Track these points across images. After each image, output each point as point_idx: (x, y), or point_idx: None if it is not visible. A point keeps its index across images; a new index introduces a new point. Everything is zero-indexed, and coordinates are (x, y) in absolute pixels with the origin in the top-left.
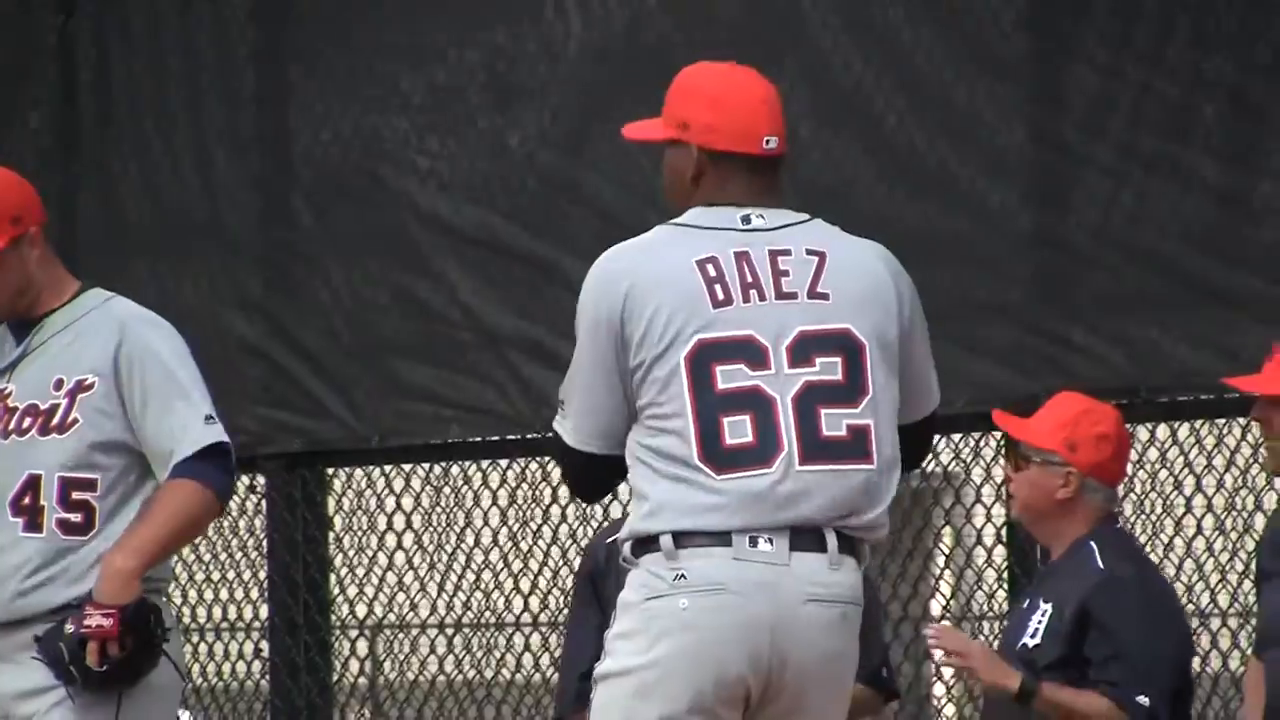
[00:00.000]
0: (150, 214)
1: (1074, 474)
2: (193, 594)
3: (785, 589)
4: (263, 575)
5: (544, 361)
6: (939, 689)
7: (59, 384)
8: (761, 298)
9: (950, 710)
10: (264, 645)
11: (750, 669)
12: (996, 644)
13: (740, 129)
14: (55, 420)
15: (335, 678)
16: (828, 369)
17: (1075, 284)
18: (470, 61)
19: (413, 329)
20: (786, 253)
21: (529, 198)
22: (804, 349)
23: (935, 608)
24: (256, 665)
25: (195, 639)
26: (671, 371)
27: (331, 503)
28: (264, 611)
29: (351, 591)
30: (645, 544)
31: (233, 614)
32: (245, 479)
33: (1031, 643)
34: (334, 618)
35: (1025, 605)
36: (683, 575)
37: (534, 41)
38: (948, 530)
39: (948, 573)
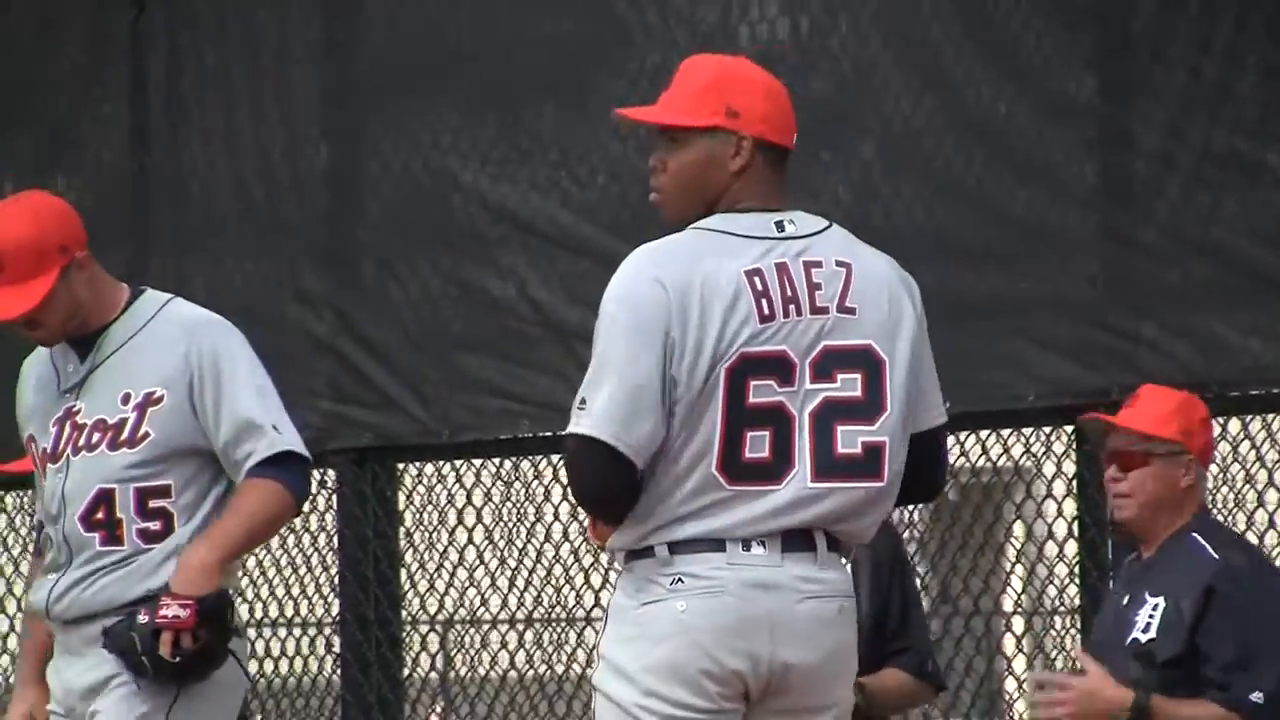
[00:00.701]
0: (220, 208)
1: (1193, 461)
2: (264, 590)
3: (780, 587)
4: (334, 571)
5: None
6: (1010, 684)
7: (126, 398)
8: (799, 313)
9: (1022, 706)
10: (335, 640)
11: (749, 668)
12: (1077, 640)
13: (785, 122)
14: (125, 434)
15: (406, 673)
16: (848, 385)
17: (1145, 279)
18: (540, 54)
19: (482, 324)
20: (819, 264)
21: (598, 192)
22: (826, 364)
23: (1007, 603)
24: (328, 661)
25: (267, 634)
26: (712, 381)
27: (402, 498)
28: (335, 607)
29: (422, 586)
30: (639, 551)
31: (304, 610)
32: (315, 474)
33: (1145, 638)
34: (405, 613)
35: (1125, 602)
36: (680, 579)
37: (604, 31)
38: (1019, 525)
39: (1019, 567)
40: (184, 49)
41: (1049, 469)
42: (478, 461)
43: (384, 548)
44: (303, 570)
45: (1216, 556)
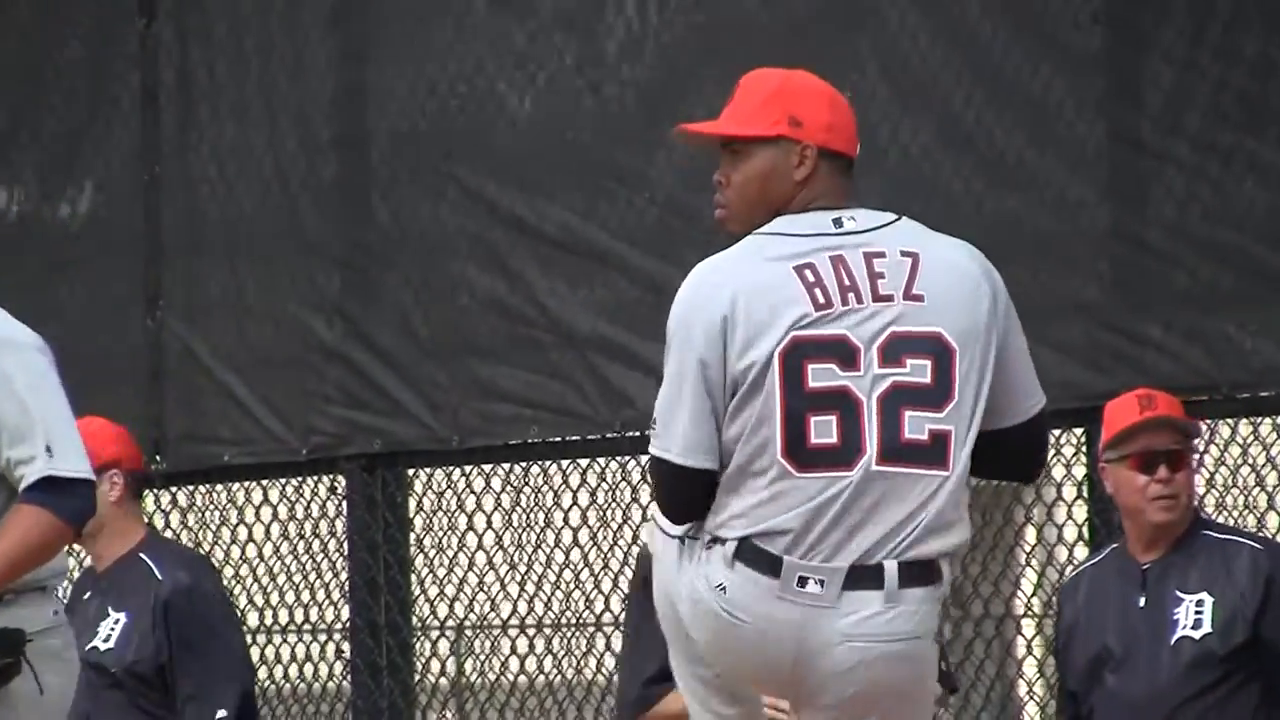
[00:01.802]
0: (231, 216)
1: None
2: (274, 596)
3: (819, 630)
4: (344, 576)
5: (625, 362)
6: (1021, 686)
7: None
8: (859, 300)
9: (1032, 708)
10: (345, 646)
11: (774, 686)
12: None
13: (849, 130)
14: None
15: (417, 679)
16: (917, 371)
17: (1153, 281)
18: (549, 60)
19: (492, 329)
20: (881, 254)
21: (607, 197)
22: (895, 349)
23: (1018, 606)
24: (338, 667)
25: (277, 640)
26: (766, 367)
27: (412, 503)
28: (345, 613)
29: (433, 592)
30: (718, 540)
31: (314, 615)
32: (325, 480)
33: (1198, 634)
34: (415, 619)
35: (1142, 604)
36: (723, 588)
37: (610, 39)
38: (1029, 528)
39: (1030, 570)
40: (194, 58)
41: (1059, 472)
42: (488, 467)
43: (394, 553)
44: (313, 576)
45: (1260, 546)
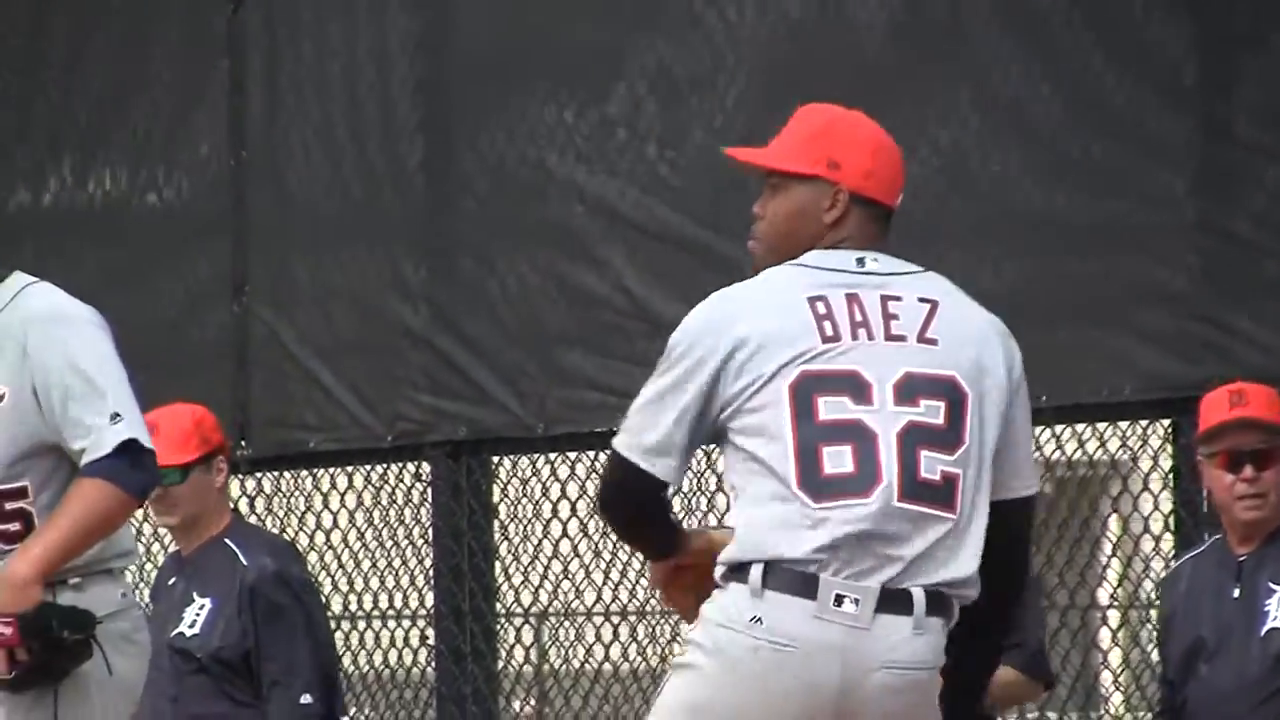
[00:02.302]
0: (317, 202)
1: None
2: (359, 582)
3: (860, 653)
4: (428, 563)
5: None
6: (1106, 677)
7: None
8: (870, 337)
9: (1118, 699)
10: (430, 633)
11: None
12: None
13: (890, 180)
14: None
15: (500, 665)
16: (931, 412)
17: (1242, 271)
18: (642, 51)
19: (577, 317)
20: (898, 298)
21: (694, 184)
22: (910, 389)
23: (1103, 596)
24: (422, 653)
25: (361, 626)
26: (774, 399)
27: (496, 490)
28: (430, 599)
29: (517, 579)
30: (736, 570)
31: (399, 601)
32: (411, 467)
33: None
34: (499, 605)
35: (1236, 595)
36: (759, 619)
37: (710, 32)
38: (1114, 518)
39: (1115, 561)
40: (281, 44)
41: (1145, 462)
42: (573, 454)
43: (478, 540)
44: (397, 562)
45: None
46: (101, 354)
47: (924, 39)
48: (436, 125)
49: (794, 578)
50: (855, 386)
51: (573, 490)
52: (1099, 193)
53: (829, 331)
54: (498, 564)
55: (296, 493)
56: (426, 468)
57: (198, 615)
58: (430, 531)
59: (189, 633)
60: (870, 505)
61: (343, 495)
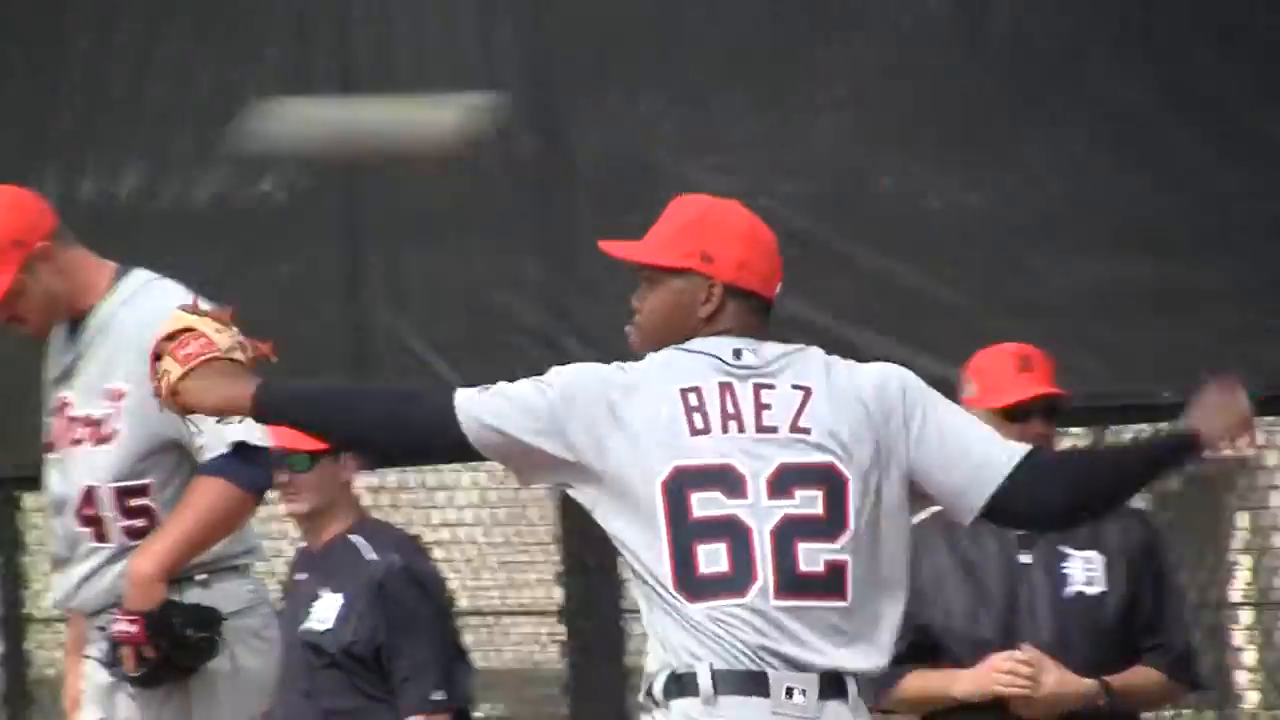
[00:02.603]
0: (432, 199)
1: None
2: (485, 577)
3: None
4: (556, 559)
5: (830, 348)
6: (1242, 676)
7: (105, 393)
8: (740, 429)
9: (1254, 697)
10: (559, 628)
11: None
12: None
13: (767, 271)
14: (104, 430)
15: (630, 661)
16: (807, 502)
17: None
18: (749, 40)
19: None
20: (771, 387)
21: (804, 181)
22: (784, 481)
23: (1234, 593)
24: (553, 648)
25: (490, 622)
26: (649, 498)
27: None
28: (557, 594)
29: None
30: (679, 683)
31: (527, 597)
32: None
33: None
34: (627, 600)
35: None
36: None
37: (826, 29)
38: (1243, 515)
39: (1245, 558)
40: (391, 36)
41: (1273, 458)
42: None
43: (604, 535)
44: (524, 558)
45: None
46: None
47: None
48: (550, 119)
49: (744, 675)
50: (729, 480)
51: None
52: (1224, 187)
53: (698, 424)
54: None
55: (421, 488)
56: None
57: (328, 610)
58: (557, 527)
59: (319, 627)
60: (746, 603)
61: (468, 491)
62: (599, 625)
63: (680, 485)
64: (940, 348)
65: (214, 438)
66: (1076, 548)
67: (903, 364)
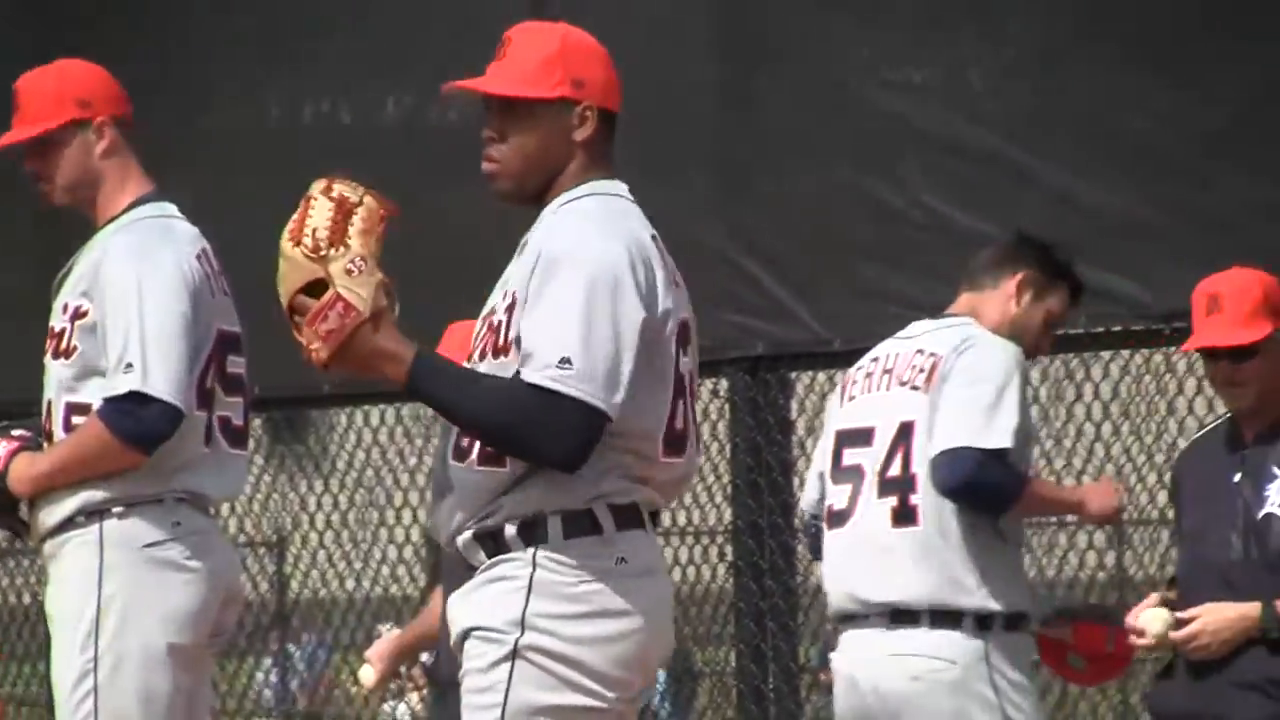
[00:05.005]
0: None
1: None
2: None
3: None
4: (726, 479)
5: None
6: None
7: (66, 307)
8: (675, 284)
9: None
10: (728, 549)
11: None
12: None
13: (618, 89)
14: (63, 345)
15: (799, 580)
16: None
17: None
18: None
19: (874, 231)
20: (655, 236)
21: (990, 98)
22: (685, 335)
23: None
24: (720, 569)
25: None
26: (660, 351)
27: (794, 405)
28: (727, 515)
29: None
30: (577, 519)
31: (697, 518)
32: (709, 383)
33: None
34: (798, 521)
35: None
36: (622, 559)
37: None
38: None
39: None
40: None
41: None
42: None
43: (776, 456)
44: (695, 478)
45: None
46: (152, 300)
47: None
48: (730, 41)
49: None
50: (688, 337)
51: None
52: None
53: (667, 279)
54: (795, 479)
55: None
56: (725, 384)
57: None
58: (728, 448)
59: None
60: (686, 464)
61: None
62: (768, 546)
63: (680, 339)
64: (1130, 268)
65: (112, 381)
66: None
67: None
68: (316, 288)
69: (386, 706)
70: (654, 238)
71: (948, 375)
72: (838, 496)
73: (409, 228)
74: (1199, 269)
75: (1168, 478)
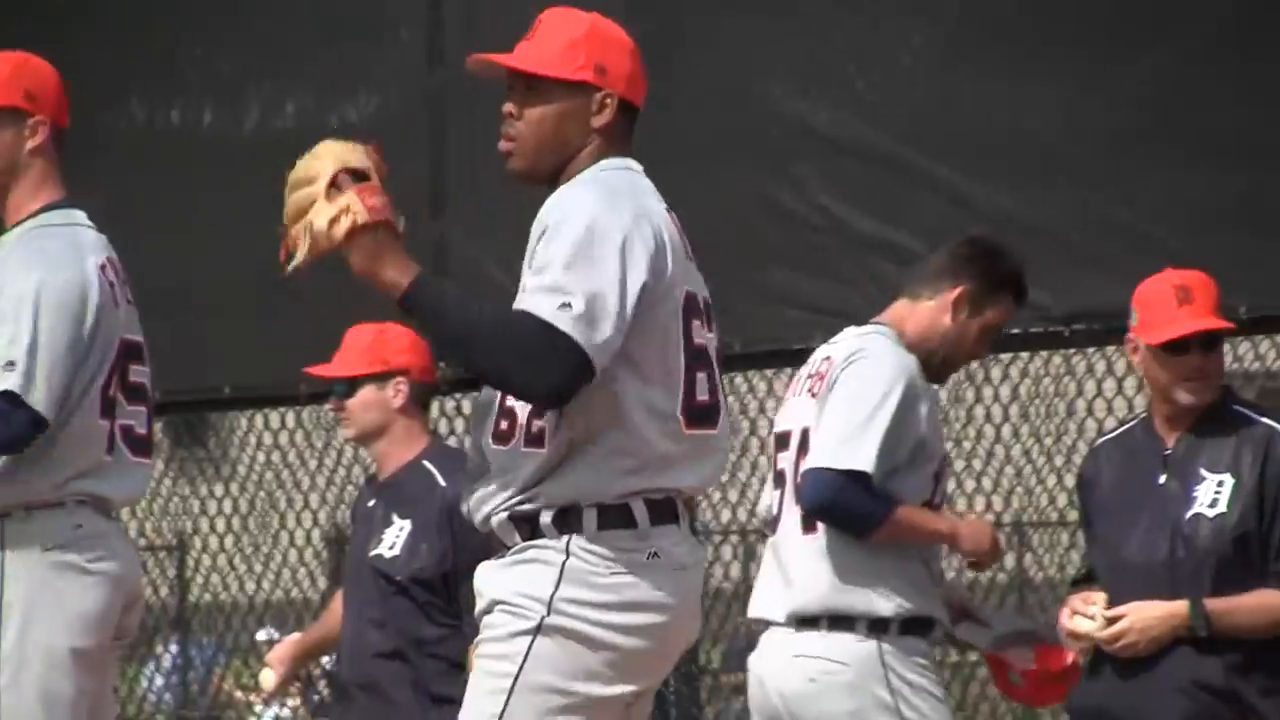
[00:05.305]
0: None
1: None
2: None
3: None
4: None
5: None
6: None
7: None
8: (688, 256)
9: None
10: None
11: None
12: None
13: (642, 85)
14: None
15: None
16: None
17: None
18: None
19: (776, 235)
20: (670, 209)
21: (888, 101)
22: (708, 312)
23: None
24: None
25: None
26: (669, 320)
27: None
28: None
29: (715, 496)
30: (613, 512)
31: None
32: None
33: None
34: (699, 524)
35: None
36: (655, 554)
37: None
38: None
39: None
40: None
41: None
42: (769, 371)
43: None
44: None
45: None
46: (42, 307)
47: None
48: (638, 40)
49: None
50: (702, 310)
51: (771, 407)
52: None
53: (687, 251)
54: None
55: None
56: None
57: (396, 537)
58: None
59: (388, 554)
60: (718, 435)
61: None
62: None
63: (687, 313)
64: (1028, 270)
65: None
66: (1212, 470)
67: None
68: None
69: (269, 713)
70: (669, 209)
71: (833, 385)
72: (773, 500)
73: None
74: (1097, 271)
75: (1069, 479)
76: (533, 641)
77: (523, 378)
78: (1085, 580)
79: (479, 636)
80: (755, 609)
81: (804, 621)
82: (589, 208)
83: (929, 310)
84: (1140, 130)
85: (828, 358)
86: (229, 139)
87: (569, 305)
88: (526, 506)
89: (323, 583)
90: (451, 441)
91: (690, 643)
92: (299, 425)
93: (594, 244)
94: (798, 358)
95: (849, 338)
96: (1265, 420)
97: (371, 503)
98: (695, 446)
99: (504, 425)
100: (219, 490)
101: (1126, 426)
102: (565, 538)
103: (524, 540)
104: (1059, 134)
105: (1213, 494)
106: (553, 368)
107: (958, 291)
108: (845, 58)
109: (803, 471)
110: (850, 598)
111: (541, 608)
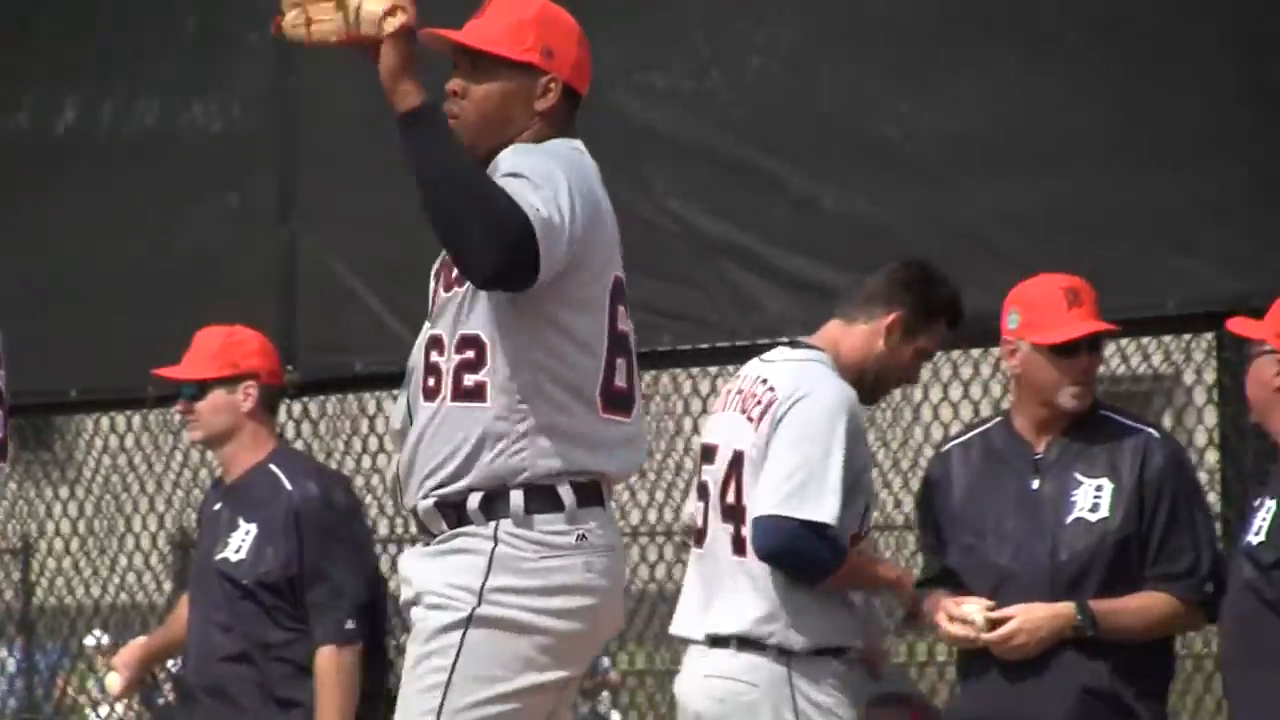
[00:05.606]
0: (364, 127)
1: None
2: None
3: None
4: None
5: (757, 270)
6: None
7: None
8: (617, 243)
9: None
10: None
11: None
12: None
13: (587, 72)
14: None
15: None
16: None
17: None
18: None
19: (623, 237)
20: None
21: (734, 101)
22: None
23: None
24: None
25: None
26: (599, 298)
27: None
28: None
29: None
30: (540, 495)
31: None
32: None
33: (1255, 540)
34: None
35: (1255, 504)
36: (583, 536)
37: None
38: None
39: None
40: None
41: (1189, 376)
42: None
43: None
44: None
45: None
46: None
47: None
48: None
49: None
50: (624, 296)
51: None
52: (1146, 102)
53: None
54: None
55: (343, 416)
56: None
57: (242, 541)
58: None
59: (234, 558)
60: (632, 425)
61: (388, 419)
62: None
63: (615, 296)
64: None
65: None
66: (1088, 475)
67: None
68: None
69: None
70: (604, 194)
71: (778, 424)
72: (698, 512)
73: (166, 237)
74: (947, 275)
75: (914, 483)
76: (465, 633)
77: (479, 240)
78: (931, 583)
79: (411, 631)
80: (676, 627)
81: (717, 641)
82: (542, 158)
83: (863, 334)
84: (983, 134)
85: (769, 386)
86: (80, 142)
87: (540, 211)
88: (450, 490)
89: (168, 586)
90: (298, 445)
91: (619, 627)
92: (145, 428)
93: (551, 175)
94: (644, 360)
95: (788, 365)
96: (1139, 425)
97: (217, 506)
98: (612, 431)
99: (431, 382)
100: (64, 493)
101: (979, 430)
102: (493, 523)
103: (451, 528)
104: (906, 137)
105: (1093, 498)
106: (508, 248)
107: (892, 317)
108: (692, 59)
109: (755, 517)
110: (768, 627)
111: (472, 598)
